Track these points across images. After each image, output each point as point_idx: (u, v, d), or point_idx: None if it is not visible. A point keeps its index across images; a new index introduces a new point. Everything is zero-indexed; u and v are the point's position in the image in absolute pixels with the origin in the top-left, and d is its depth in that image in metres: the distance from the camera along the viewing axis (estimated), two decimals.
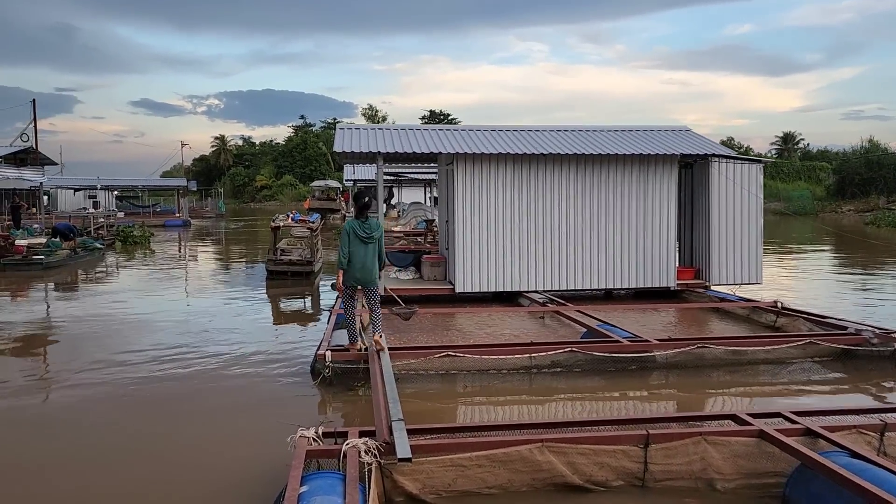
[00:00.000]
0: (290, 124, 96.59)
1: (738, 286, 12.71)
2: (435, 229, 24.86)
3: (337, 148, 12.24)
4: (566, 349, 7.74)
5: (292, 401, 7.27)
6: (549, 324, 10.59)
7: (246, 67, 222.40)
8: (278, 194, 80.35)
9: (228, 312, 12.85)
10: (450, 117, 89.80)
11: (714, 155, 12.64)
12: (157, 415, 6.98)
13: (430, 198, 34.99)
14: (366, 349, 7.79)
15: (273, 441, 5.46)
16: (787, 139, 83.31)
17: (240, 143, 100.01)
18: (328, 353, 7.54)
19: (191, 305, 13.69)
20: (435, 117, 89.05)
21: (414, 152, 12.01)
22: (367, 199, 7.81)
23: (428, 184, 32.44)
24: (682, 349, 7.85)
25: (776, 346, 8.11)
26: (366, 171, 31.19)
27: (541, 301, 11.38)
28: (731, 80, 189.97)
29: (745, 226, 12.87)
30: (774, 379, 8.01)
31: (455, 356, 7.62)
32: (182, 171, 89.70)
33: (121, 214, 47.37)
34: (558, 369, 7.85)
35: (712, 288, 12.82)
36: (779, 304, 10.44)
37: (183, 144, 71.29)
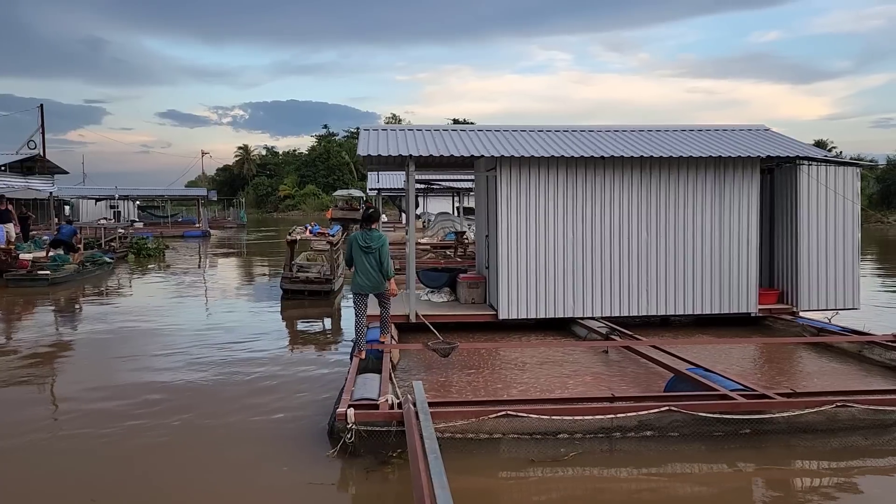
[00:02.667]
0: (314, 134, 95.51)
1: (834, 312, 10.76)
2: (465, 241, 23.12)
3: (361, 151, 10.53)
4: (662, 407, 5.90)
5: (301, 490, 5.48)
6: (614, 360, 8.75)
7: (271, 78, 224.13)
8: (301, 204, 79.23)
9: (236, 340, 11.17)
10: None
11: (805, 157, 10.74)
12: None
13: (456, 208, 33.23)
14: (399, 405, 6.03)
15: None
16: (820, 147, 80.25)
17: (263, 152, 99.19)
18: (350, 412, 5.79)
19: (197, 332, 12.04)
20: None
21: (451, 155, 10.25)
22: (371, 210, 8.67)
23: (456, 193, 30.66)
24: (815, 409, 5.97)
25: None
26: (391, 180, 29.55)
27: (603, 332, 9.56)
28: (757, 88, 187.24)
29: (839, 240, 10.93)
30: None
31: (516, 416, 5.83)
32: (205, 181, 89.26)
33: (139, 225, 46.39)
34: (648, 432, 6.02)
35: (801, 314, 10.89)
36: None
37: (203, 153, 69.76)
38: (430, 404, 5.91)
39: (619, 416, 5.90)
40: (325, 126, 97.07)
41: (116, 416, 7.20)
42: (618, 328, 9.75)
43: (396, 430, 5.78)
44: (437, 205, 38.31)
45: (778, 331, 10.54)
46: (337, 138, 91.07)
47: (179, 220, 53.35)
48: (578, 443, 5.91)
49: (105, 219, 47.18)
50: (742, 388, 6.41)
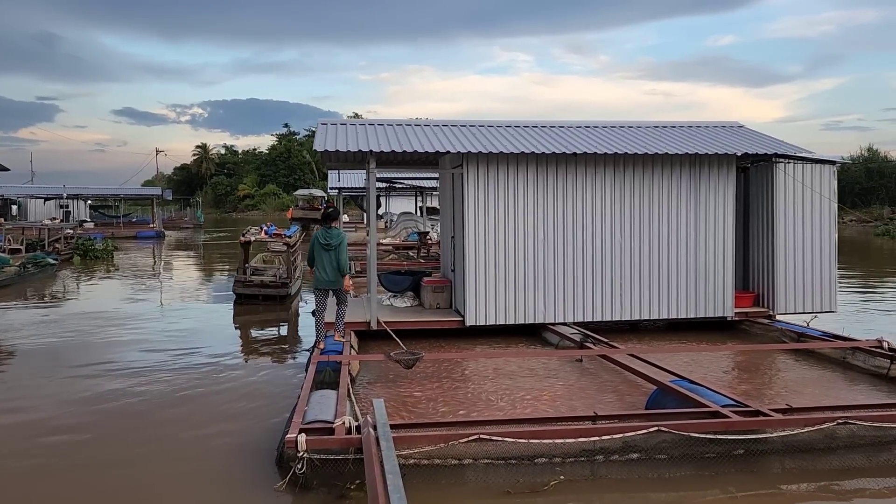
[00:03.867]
0: (274, 133, 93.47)
1: (812, 316, 10.38)
2: (429, 242, 22.46)
3: (318, 146, 9.80)
4: (650, 428, 5.33)
5: None
6: (590, 370, 8.20)
7: (231, 76, 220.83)
8: (261, 204, 77.64)
9: (178, 350, 10.33)
10: None
11: (781, 155, 10.35)
12: None
13: (419, 207, 32.51)
14: (358, 427, 5.36)
15: None
16: None
17: (222, 151, 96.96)
18: (301, 439, 5.09)
19: (136, 341, 11.14)
20: None
21: (415, 151, 9.59)
22: (330, 210, 9.23)
23: (419, 191, 30.00)
24: (815, 427, 5.46)
25: None
26: (353, 179, 28.79)
27: (577, 339, 9.00)
28: (713, 91, 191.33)
29: (815, 240, 10.57)
30: None
31: (490, 440, 5.20)
32: (163, 181, 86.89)
33: (90, 225, 44.67)
34: (634, 455, 5.45)
35: (777, 318, 10.50)
36: (886, 345, 8.12)
37: (158, 151, 67.39)
38: (393, 427, 5.25)
39: (603, 438, 5.31)
40: (286, 125, 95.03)
41: (31, 439, 6.38)
42: (591, 335, 9.22)
43: (354, 458, 5.11)
44: (400, 204, 37.56)
45: (755, 336, 10.13)
46: (298, 137, 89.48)
47: (134, 220, 51.62)
48: (558, 468, 5.30)
49: (54, 219, 45.32)
50: (734, 403, 5.88)
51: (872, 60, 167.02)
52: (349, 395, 6.35)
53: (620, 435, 5.33)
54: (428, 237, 22.67)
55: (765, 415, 5.59)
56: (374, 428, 5.18)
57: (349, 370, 7.48)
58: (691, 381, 6.61)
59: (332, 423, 5.43)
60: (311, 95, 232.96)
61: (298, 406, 5.89)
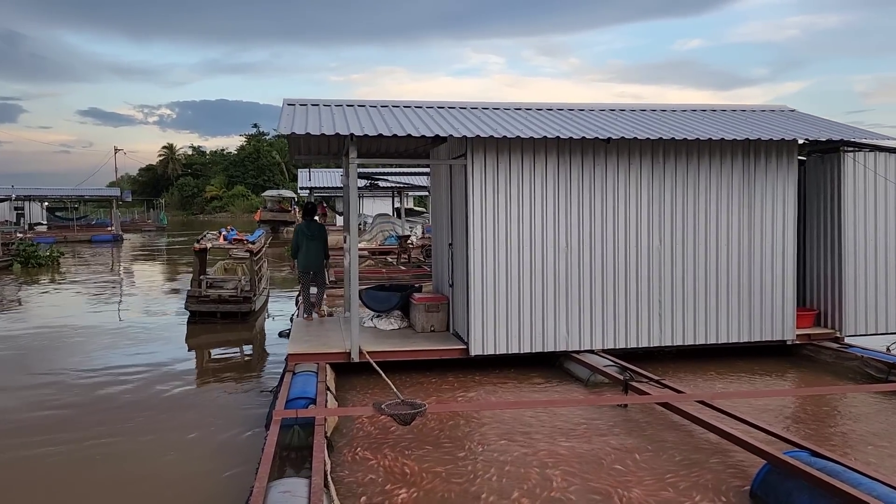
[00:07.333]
0: (243, 134, 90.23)
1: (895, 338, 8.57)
2: (410, 246, 20.42)
3: (285, 128, 7.66)
4: None
5: None
6: (638, 420, 6.23)
7: (199, 77, 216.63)
8: (229, 205, 74.74)
9: (97, 394, 8.09)
10: None
11: (853, 143, 8.51)
12: None
13: (396, 209, 30.32)
14: None
15: None
16: None
17: (189, 152, 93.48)
18: None
19: (53, 388, 8.80)
20: None
21: (409, 136, 7.50)
22: (310, 206, 10.42)
23: (398, 192, 27.86)
24: None
25: None
26: (324, 178, 26.65)
27: (614, 373, 7.04)
28: (681, 94, 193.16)
29: (891, 245, 8.78)
30: None
31: None
32: (128, 182, 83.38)
33: (42, 228, 41.84)
34: None
35: (846, 341, 8.66)
36: None
37: (116, 150, 63.29)
38: None
39: None
40: (255, 125, 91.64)
41: None
42: (631, 367, 7.27)
43: None
44: (375, 205, 35.39)
45: (826, 364, 8.26)
46: (267, 138, 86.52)
47: (93, 223, 48.59)
48: None
49: (9, 221, 42.24)
50: None
51: (835, 64, 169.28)
52: (326, 487, 4.27)
53: None
54: (409, 241, 20.63)
55: None
56: None
57: (325, 429, 5.43)
58: (814, 453, 4.66)
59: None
60: (281, 96, 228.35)
61: None
